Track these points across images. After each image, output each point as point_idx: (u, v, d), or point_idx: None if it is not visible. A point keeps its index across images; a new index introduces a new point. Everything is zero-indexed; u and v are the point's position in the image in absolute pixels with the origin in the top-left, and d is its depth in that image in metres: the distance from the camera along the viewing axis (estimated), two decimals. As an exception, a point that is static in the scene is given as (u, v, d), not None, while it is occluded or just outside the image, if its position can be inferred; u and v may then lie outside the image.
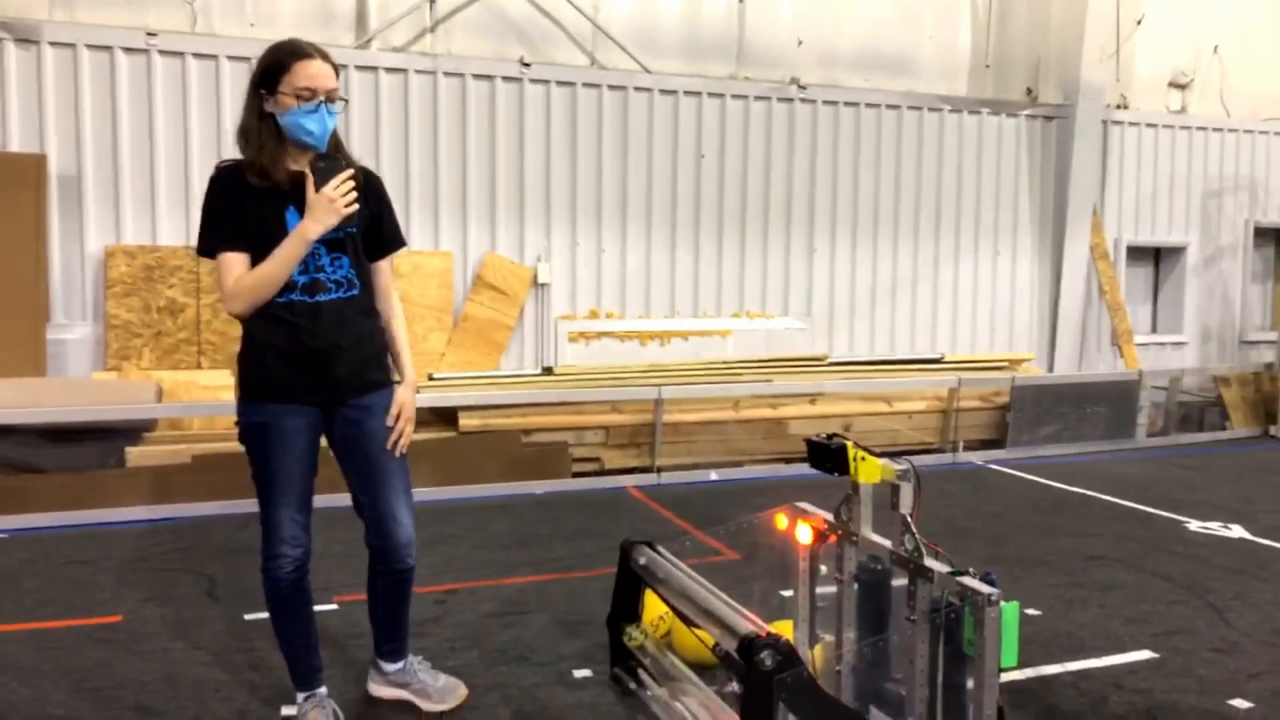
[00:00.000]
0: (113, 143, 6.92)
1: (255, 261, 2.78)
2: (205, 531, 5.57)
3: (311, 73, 2.74)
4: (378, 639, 3.26)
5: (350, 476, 3.02)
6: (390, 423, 2.99)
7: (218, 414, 6.52)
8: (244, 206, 2.77)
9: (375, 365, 3.01)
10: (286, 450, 2.86)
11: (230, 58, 7.09)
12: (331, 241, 2.84)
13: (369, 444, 2.97)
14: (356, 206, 2.79)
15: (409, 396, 3.04)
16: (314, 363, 2.84)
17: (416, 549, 3.13)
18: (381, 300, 3.06)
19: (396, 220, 3.13)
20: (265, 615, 4.10)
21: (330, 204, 2.73)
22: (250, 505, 6.19)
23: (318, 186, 2.74)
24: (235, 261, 2.78)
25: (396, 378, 3.11)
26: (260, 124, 2.80)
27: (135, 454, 6.05)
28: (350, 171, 2.79)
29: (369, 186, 2.94)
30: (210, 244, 2.81)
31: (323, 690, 3.12)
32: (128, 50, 6.91)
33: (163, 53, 7.00)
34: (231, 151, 2.96)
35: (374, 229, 3.00)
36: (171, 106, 7.03)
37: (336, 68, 2.83)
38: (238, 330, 2.95)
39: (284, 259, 2.75)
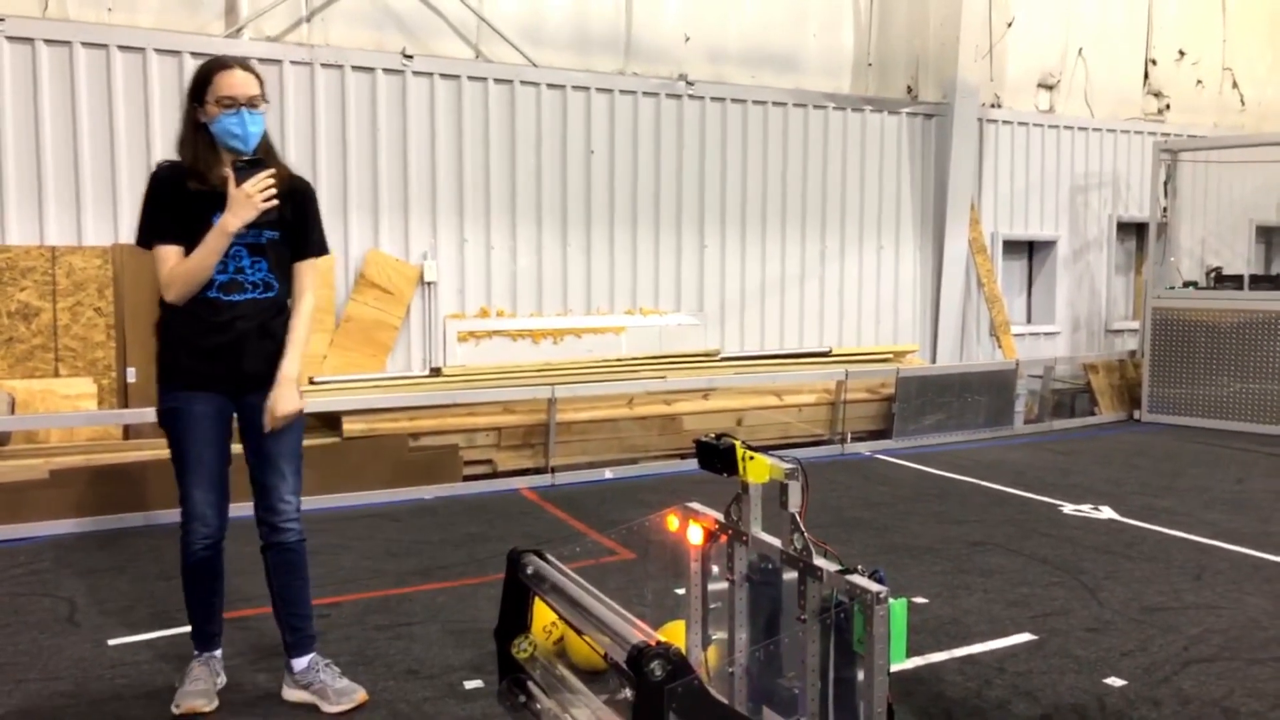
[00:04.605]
0: (-45, 134, 6.42)
1: (188, 255, 3.07)
2: (65, 552, 5.21)
3: (231, 82, 3.03)
4: (281, 631, 3.38)
5: (246, 455, 3.29)
6: (267, 431, 3.19)
7: (77, 425, 6.12)
8: (179, 205, 3.06)
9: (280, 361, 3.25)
10: (197, 434, 3.13)
11: (85, 44, 6.65)
12: (253, 246, 3.13)
13: (262, 434, 3.23)
14: (275, 203, 3.04)
15: (280, 392, 3.18)
16: (223, 355, 3.11)
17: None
18: (294, 300, 3.29)
19: (321, 229, 3.37)
20: (130, 639, 3.92)
21: (248, 199, 2.99)
22: (112, 523, 5.90)
23: (238, 184, 3.00)
24: (169, 254, 3.06)
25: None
26: (195, 134, 3.08)
27: (-14, 470, 5.62)
28: (270, 171, 3.04)
29: (294, 192, 3.21)
30: (147, 237, 3.11)
31: (216, 652, 3.40)
32: (-30, 35, 6.42)
33: (10, 38, 6.51)
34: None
35: (297, 234, 3.25)
36: (21, 97, 6.54)
37: (260, 76, 3.11)
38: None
39: (208, 251, 3.03)
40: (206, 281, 3.06)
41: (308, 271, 3.29)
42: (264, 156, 3.10)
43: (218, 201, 3.05)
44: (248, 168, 3.01)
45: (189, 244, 3.04)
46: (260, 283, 3.16)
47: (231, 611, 3.92)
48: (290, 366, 3.20)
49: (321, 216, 3.38)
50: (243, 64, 3.10)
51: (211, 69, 3.07)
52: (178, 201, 3.06)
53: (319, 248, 3.33)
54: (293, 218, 3.20)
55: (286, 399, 3.16)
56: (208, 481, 3.16)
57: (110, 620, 4.19)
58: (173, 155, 3.15)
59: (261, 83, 3.11)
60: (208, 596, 3.31)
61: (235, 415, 3.25)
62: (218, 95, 3.02)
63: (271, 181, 3.03)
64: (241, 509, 3.35)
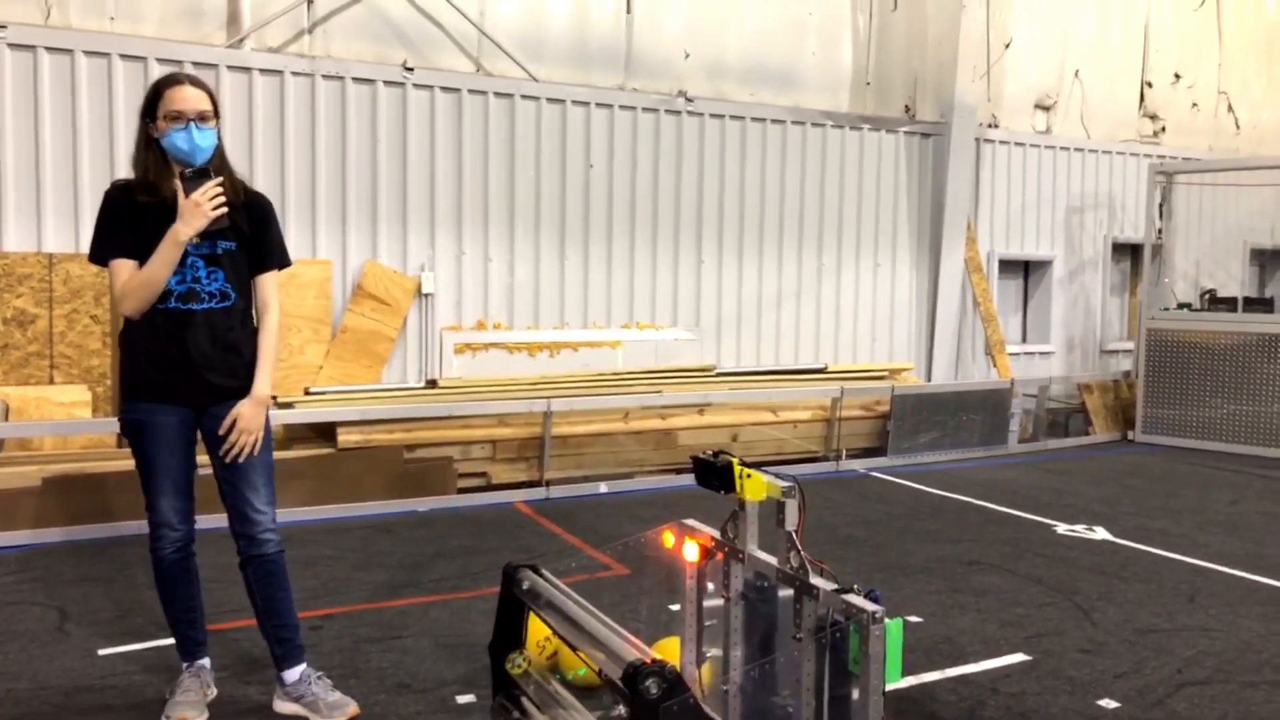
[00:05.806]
0: (-46, 140, 6.42)
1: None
2: (56, 560, 5.18)
3: (181, 97, 3.08)
4: (269, 644, 3.37)
5: (215, 470, 3.27)
6: (222, 433, 3.18)
7: (71, 433, 6.11)
8: (132, 220, 3.10)
9: (245, 374, 3.25)
10: (162, 444, 3.16)
11: (87, 53, 6.67)
12: (209, 256, 3.16)
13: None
14: (224, 210, 3.05)
15: (248, 409, 3.21)
16: (185, 366, 3.13)
17: (292, 569, 3.36)
18: (259, 314, 3.32)
19: (281, 240, 3.40)
20: (122, 649, 3.90)
21: (196, 207, 3.01)
22: (105, 531, 5.89)
23: (186, 194, 3.03)
24: (124, 267, 3.10)
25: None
26: (147, 149, 3.14)
27: (-22, 477, 5.60)
28: (218, 180, 3.06)
29: (251, 205, 3.26)
30: (101, 253, 3.15)
31: (204, 662, 3.41)
32: (-28, 42, 6.43)
33: (13, 46, 6.53)
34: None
35: (255, 246, 3.27)
36: (22, 104, 6.56)
37: (212, 94, 3.16)
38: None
39: (161, 261, 3.05)
40: (162, 292, 3.08)
41: (270, 284, 3.32)
42: (217, 169, 3.12)
43: (170, 214, 3.06)
44: (196, 177, 3.05)
45: (143, 258, 3.06)
46: (217, 292, 3.18)
47: (217, 624, 3.92)
48: (262, 386, 3.23)
49: (282, 231, 3.42)
50: (193, 80, 3.15)
51: (161, 85, 3.11)
52: (131, 216, 3.10)
53: (280, 259, 3.36)
54: (250, 230, 3.23)
55: (251, 415, 3.19)
56: (174, 489, 3.19)
57: (101, 630, 4.16)
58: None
59: (214, 99, 3.15)
60: (187, 601, 3.33)
61: (200, 430, 3.25)
62: (167, 110, 3.06)
63: (220, 190, 3.04)
64: (217, 520, 3.36)
